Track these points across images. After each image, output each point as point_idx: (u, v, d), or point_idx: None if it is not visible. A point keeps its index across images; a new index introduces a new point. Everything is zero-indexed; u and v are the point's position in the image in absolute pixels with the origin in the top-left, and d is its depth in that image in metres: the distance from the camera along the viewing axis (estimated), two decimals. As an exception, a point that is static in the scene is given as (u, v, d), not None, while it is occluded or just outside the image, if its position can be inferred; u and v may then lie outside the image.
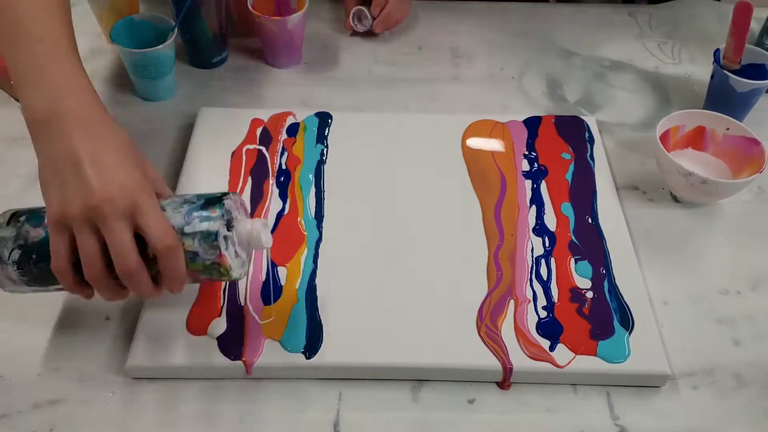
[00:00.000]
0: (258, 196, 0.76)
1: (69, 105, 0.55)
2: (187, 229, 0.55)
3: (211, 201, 0.56)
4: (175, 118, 0.87)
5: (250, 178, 0.78)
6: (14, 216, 0.58)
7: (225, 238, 0.55)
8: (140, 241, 0.53)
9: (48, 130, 0.54)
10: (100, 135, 0.55)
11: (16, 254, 0.57)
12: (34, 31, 0.57)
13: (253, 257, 0.70)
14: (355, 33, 1.00)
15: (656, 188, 0.81)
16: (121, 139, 0.57)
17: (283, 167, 0.79)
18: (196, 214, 0.55)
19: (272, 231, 0.73)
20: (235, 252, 0.57)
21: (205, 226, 0.55)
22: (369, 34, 1.00)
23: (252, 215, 0.74)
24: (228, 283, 0.68)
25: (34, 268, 0.57)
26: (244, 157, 0.80)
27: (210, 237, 0.55)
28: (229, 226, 0.56)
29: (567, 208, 0.76)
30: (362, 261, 0.70)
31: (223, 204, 0.56)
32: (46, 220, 0.55)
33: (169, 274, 0.54)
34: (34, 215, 0.58)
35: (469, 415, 0.62)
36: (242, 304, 0.66)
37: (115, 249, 0.52)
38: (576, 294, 0.68)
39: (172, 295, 0.57)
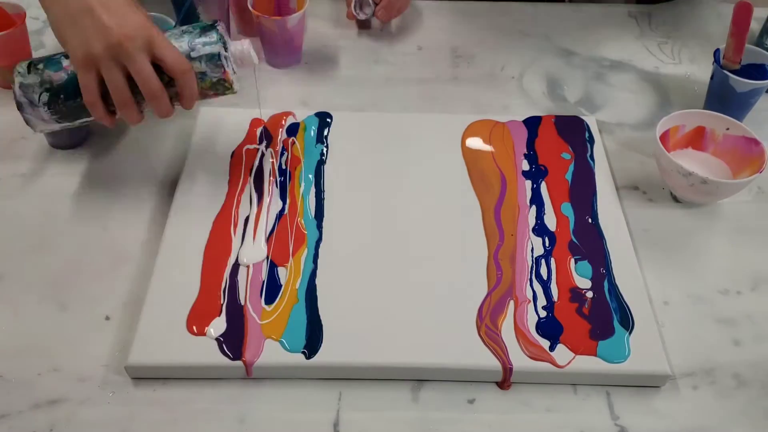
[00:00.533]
0: (258, 196, 0.76)
1: None
2: (193, 54, 0.66)
3: (206, 28, 0.67)
4: (175, 118, 0.87)
5: (250, 178, 0.78)
6: (31, 65, 0.67)
7: (225, 57, 0.67)
8: (155, 69, 0.64)
9: None
10: None
11: (45, 96, 0.67)
12: None
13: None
14: (359, 32, 1.00)
15: (656, 188, 0.81)
16: None
17: (283, 167, 0.79)
18: (198, 40, 0.67)
19: (272, 231, 0.73)
20: (233, 69, 0.68)
21: (208, 49, 0.66)
22: (369, 33, 1.00)
23: (251, 215, 0.74)
24: (228, 283, 0.68)
25: (63, 106, 0.68)
26: (244, 157, 0.80)
27: (214, 58, 0.66)
28: (225, 47, 0.67)
29: (567, 208, 0.76)
30: (362, 261, 0.70)
31: (217, 29, 0.67)
32: (65, 64, 0.66)
33: (186, 92, 0.66)
34: (52, 61, 0.67)
35: (469, 415, 0.62)
36: (242, 304, 0.66)
37: (141, 78, 0.63)
38: (576, 294, 0.68)
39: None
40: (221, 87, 0.68)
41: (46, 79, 0.67)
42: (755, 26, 0.90)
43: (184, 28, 0.68)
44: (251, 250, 0.71)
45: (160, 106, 0.65)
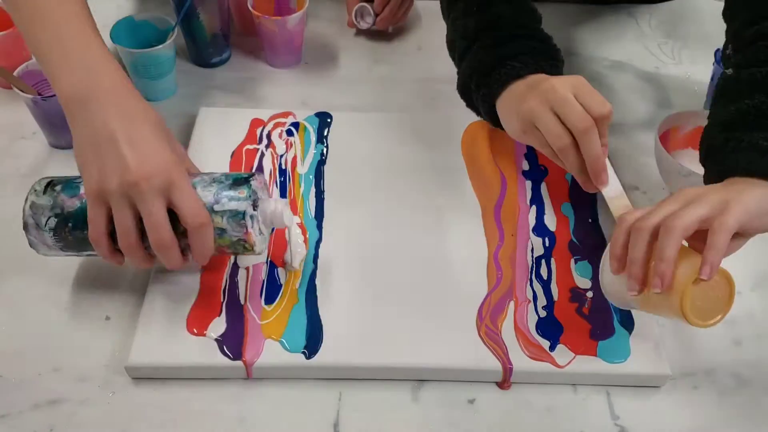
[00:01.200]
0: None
1: (103, 83, 0.59)
2: (216, 207, 0.59)
3: (239, 181, 0.61)
4: (175, 118, 0.87)
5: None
6: (50, 185, 0.63)
7: (251, 216, 0.60)
8: (171, 214, 0.58)
9: (85, 108, 0.58)
10: (134, 114, 0.59)
11: (52, 222, 0.61)
12: (57, 12, 0.61)
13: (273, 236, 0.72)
14: (358, 32, 1.00)
15: (656, 188, 0.81)
16: (153, 118, 0.60)
17: (283, 167, 0.79)
18: (225, 193, 0.60)
19: (271, 232, 0.73)
20: (259, 229, 0.62)
21: (233, 205, 0.60)
22: (369, 33, 1.00)
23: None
24: (228, 283, 0.68)
25: (69, 235, 0.62)
26: (244, 157, 0.80)
27: (238, 216, 0.59)
28: (254, 205, 0.61)
29: (567, 208, 0.76)
30: (362, 261, 0.70)
31: (250, 185, 0.61)
32: (81, 191, 0.61)
33: (199, 248, 0.59)
34: (69, 185, 0.62)
35: (469, 415, 0.62)
36: (242, 304, 0.66)
37: (151, 224, 0.57)
38: (576, 294, 0.68)
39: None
40: (240, 247, 0.61)
41: (59, 203, 0.61)
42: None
43: (216, 175, 0.61)
44: (241, 257, 0.71)
45: (168, 258, 0.59)
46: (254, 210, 0.60)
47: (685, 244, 0.57)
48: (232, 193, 0.60)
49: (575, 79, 0.66)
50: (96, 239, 0.59)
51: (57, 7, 0.61)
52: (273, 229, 0.65)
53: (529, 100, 0.66)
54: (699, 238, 0.56)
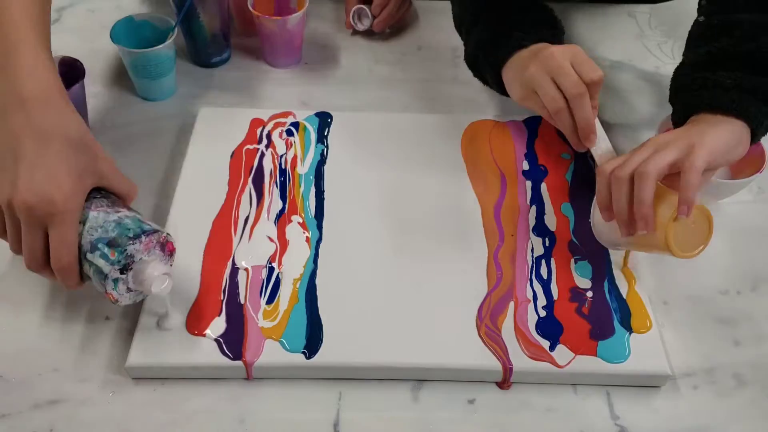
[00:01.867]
0: (258, 196, 0.76)
1: (23, 92, 0.57)
2: (88, 256, 0.58)
3: (119, 241, 0.57)
4: (175, 118, 0.87)
5: (249, 178, 0.78)
6: None
7: (115, 280, 0.58)
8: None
9: (3, 114, 0.57)
10: (48, 129, 0.57)
11: None
12: (9, 18, 0.59)
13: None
14: (355, 32, 1.00)
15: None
16: (72, 134, 0.57)
17: (283, 167, 0.79)
18: (100, 246, 0.57)
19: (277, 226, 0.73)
20: (127, 288, 0.59)
21: (101, 263, 0.57)
22: (369, 33, 1.00)
23: (251, 215, 0.74)
24: (228, 283, 0.68)
25: None
26: (243, 157, 0.80)
27: (101, 274, 0.57)
28: (125, 269, 0.58)
29: (567, 209, 0.76)
30: (362, 261, 0.70)
31: (126, 249, 0.57)
32: None
33: (63, 282, 0.58)
34: None
35: (469, 415, 0.62)
36: (242, 304, 0.66)
37: (27, 249, 0.57)
38: (576, 294, 0.68)
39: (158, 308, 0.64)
40: (105, 297, 0.59)
41: None
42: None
43: (118, 216, 0.59)
44: (249, 253, 0.71)
45: (51, 279, 0.59)
46: (122, 274, 0.57)
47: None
48: (105, 249, 0.57)
49: (572, 48, 0.71)
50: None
51: (9, 13, 0.59)
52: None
53: (530, 67, 0.72)
54: (674, 179, 0.62)
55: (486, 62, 0.79)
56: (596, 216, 0.68)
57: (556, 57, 0.70)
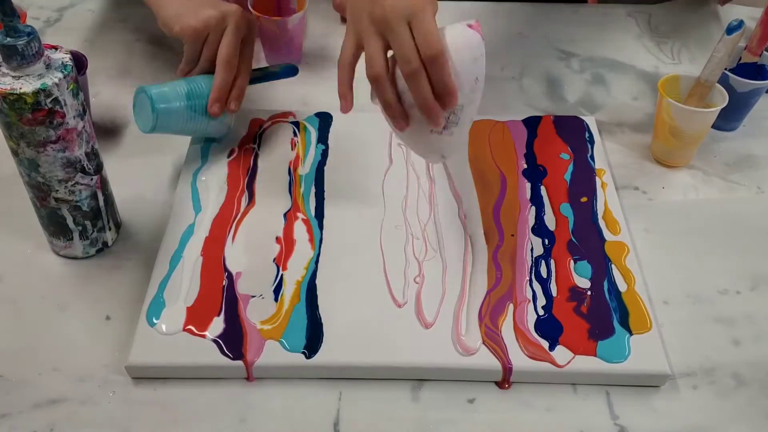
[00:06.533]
0: (249, 197, 0.76)
1: None
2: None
3: None
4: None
5: (249, 178, 0.78)
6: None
7: None
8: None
9: None
10: None
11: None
12: None
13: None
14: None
15: (656, 188, 0.81)
16: None
17: (257, 165, 0.79)
18: None
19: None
20: None
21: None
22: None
23: (250, 215, 0.74)
24: (228, 282, 0.68)
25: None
26: (243, 158, 0.80)
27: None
28: None
29: (566, 209, 0.76)
30: (362, 261, 0.70)
31: None
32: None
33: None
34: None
35: (469, 415, 0.62)
36: (243, 304, 0.66)
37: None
38: (576, 294, 0.68)
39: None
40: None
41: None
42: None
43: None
44: (249, 253, 0.71)
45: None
46: None
47: None
48: None
49: (413, 5, 0.57)
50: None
51: None
52: None
53: (361, 13, 0.60)
54: None
55: None
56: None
57: (391, 19, 0.57)
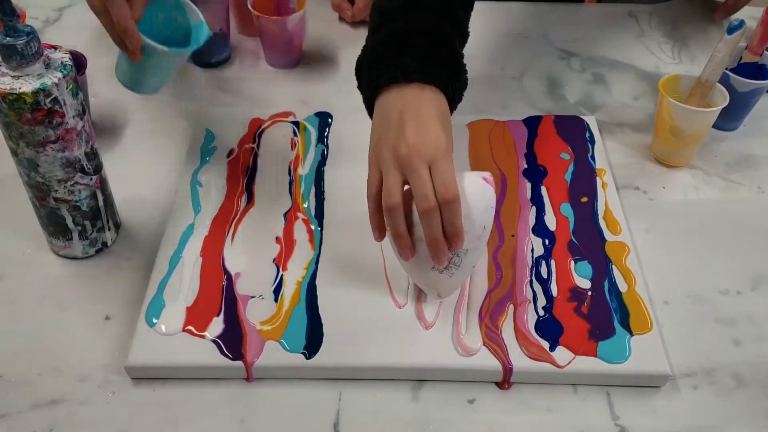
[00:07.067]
0: (248, 197, 0.76)
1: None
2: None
3: None
4: (175, 118, 0.87)
5: (249, 178, 0.78)
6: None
7: None
8: None
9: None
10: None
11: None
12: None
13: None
14: (341, 20, 1.01)
15: (656, 188, 0.81)
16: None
17: (258, 164, 0.79)
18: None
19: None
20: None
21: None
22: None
23: (249, 214, 0.74)
24: (227, 283, 0.68)
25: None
26: (243, 157, 0.80)
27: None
28: None
29: (566, 209, 0.76)
30: (362, 261, 0.70)
31: None
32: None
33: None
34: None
35: (469, 415, 0.62)
36: (242, 304, 0.66)
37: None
38: (576, 294, 0.68)
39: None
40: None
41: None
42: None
43: None
44: (248, 252, 0.71)
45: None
46: None
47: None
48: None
49: (436, 150, 0.60)
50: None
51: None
52: None
53: (384, 147, 0.61)
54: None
55: (369, 76, 0.66)
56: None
57: (413, 160, 0.59)
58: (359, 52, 0.68)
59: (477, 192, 0.62)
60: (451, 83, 0.65)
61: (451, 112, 0.66)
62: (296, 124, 0.85)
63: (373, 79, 0.64)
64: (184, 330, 0.64)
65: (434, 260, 0.62)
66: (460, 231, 0.60)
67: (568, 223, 0.75)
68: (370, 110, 0.66)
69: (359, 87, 0.68)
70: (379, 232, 0.64)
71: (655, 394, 0.64)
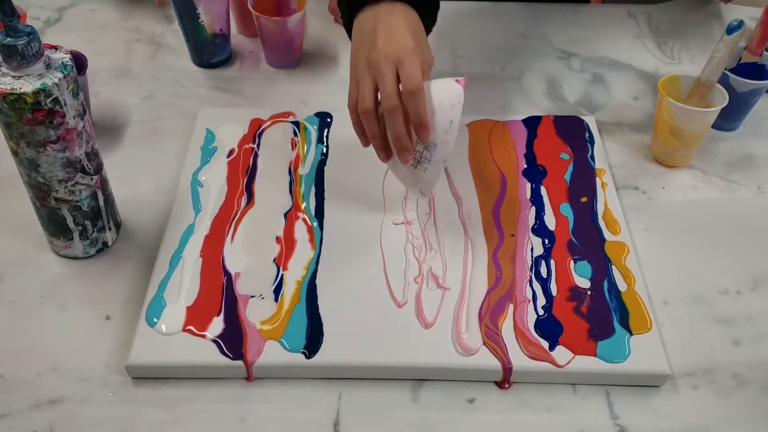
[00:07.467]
0: (248, 197, 0.76)
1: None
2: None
3: None
4: (175, 118, 0.87)
5: (249, 178, 0.78)
6: None
7: None
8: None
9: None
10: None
11: None
12: None
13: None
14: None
15: (656, 188, 0.81)
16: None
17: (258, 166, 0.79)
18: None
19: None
20: None
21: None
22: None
23: (249, 214, 0.74)
24: (228, 282, 0.68)
25: None
26: (242, 157, 0.80)
27: None
28: None
29: (566, 209, 0.76)
30: (362, 261, 0.70)
31: None
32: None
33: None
34: None
35: (469, 415, 0.62)
36: (242, 304, 0.66)
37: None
38: (576, 294, 0.68)
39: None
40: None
41: None
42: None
43: None
44: (248, 252, 0.71)
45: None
46: None
47: None
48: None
49: (402, 50, 0.64)
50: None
51: None
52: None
53: (359, 58, 0.67)
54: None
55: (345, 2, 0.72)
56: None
57: (380, 62, 0.64)
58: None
59: (444, 89, 0.65)
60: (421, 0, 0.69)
61: (428, 33, 0.70)
62: (296, 124, 0.85)
63: (351, 3, 0.70)
64: (184, 330, 0.64)
65: (399, 158, 0.66)
66: (424, 121, 0.63)
67: (567, 222, 0.75)
68: (350, 32, 0.72)
69: (341, 16, 0.74)
70: (364, 139, 0.68)
71: (655, 393, 0.64)
